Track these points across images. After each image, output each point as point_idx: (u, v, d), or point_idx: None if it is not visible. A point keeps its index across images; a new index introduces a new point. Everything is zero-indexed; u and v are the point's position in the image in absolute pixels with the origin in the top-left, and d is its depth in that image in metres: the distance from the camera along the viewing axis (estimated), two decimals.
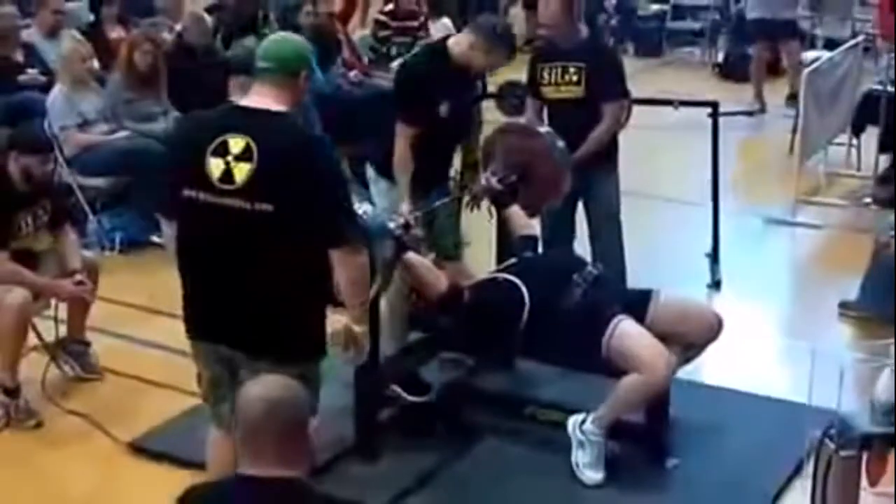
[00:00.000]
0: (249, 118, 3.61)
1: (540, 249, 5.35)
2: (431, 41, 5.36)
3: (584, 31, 5.84)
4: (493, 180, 5.22)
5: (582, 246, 5.91)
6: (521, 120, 5.82)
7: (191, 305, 3.78)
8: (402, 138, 5.07)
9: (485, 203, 5.32)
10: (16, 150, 5.19)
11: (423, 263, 4.82)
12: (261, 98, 3.65)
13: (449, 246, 5.36)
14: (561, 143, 5.31)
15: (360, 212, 4.20)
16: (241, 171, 3.50)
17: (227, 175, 3.52)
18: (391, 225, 4.58)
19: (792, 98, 10.32)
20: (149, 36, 7.71)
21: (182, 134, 3.90)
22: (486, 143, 5.42)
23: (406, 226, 4.77)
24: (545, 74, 5.73)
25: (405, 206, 5.01)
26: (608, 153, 5.80)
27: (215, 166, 3.53)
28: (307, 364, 3.68)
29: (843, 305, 6.23)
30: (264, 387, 2.78)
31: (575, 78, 5.66)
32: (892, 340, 4.34)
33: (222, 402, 3.84)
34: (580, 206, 5.90)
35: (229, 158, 3.52)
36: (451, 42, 5.15)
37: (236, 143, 3.52)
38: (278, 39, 3.83)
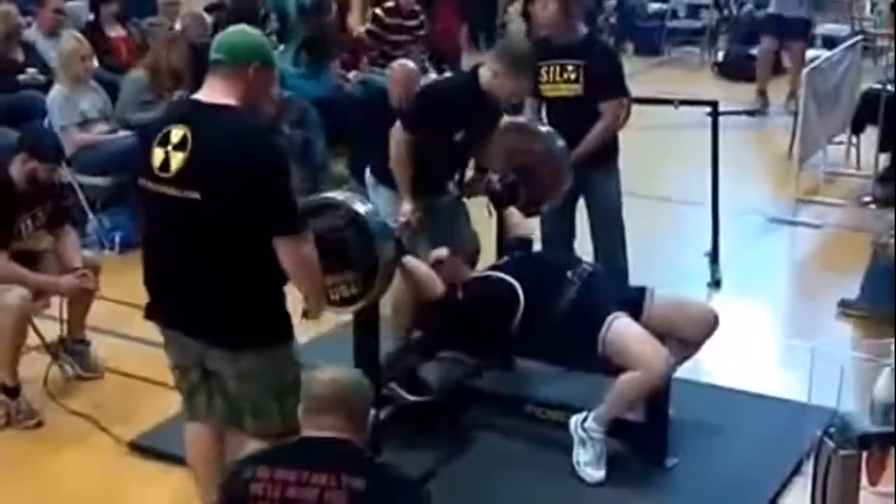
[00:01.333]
0: (194, 109, 3.66)
1: (537, 249, 5.34)
2: (466, 70, 5.26)
3: (582, 29, 5.84)
4: (494, 179, 5.22)
5: (582, 245, 5.91)
6: (521, 119, 5.82)
7: (148, 291, 3.81)
8: (399, 141, 5.01)
9: (484, 200, 5.32)
10: (26, 153, 5.19)
11: (421, 267, 4.80)
12: (210, 91, 3.67)
13: (462, 243, 5.32)
14: (561, 143, 5.31)
15: (362, 211, 4.20)
16: (177, 160, 3.54)
17: (165, 164, 3.57)
18: (393, 225, 4.57)
19: (792, 96, 10.34)
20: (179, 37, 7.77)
21: (145, 127, 3.93)
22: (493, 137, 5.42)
23: (407, 225, 4.76)
24: (543, 72, 5.71)
25: (407, 206, 4.99)
26: (608, 152, 5.79)
27: (156, 155, 3.59)
28: (270, 351, 3.67)
29: (843, 304, 6.23)
30: (336, 372, 3.18)
31: (573, 76, 5.66)
32: (892, 340, 4.34)
33: (195, 393, 3.86)
34: (580, 205, 5.90)
35: (168, 148, 3.57)
36: (481, 71, 5.07)
37: (176, 134, 3.56)
38: (233, 31, 3.82)
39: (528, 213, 5.40)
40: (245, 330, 3.63)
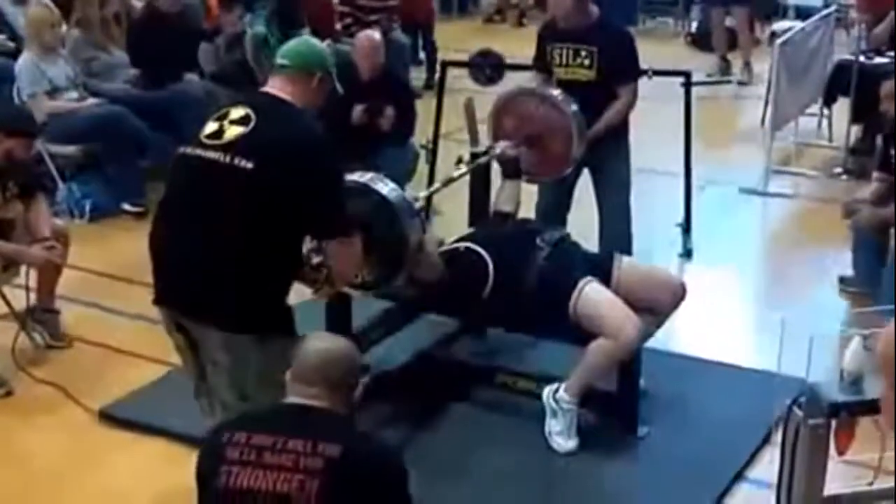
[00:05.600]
0: (259, 96, 3.77)
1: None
2: None
3: (595, 12, 5.79)
4: (505, 146, 5.19)
5: (576, 218, 5.86)
6: (537, 86, 5.72)
7: (153, 265, 3.76)
8: None
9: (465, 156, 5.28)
10: (1, 131, 5.14)
11: (434, 244, 4.70)
12: (273, 90, 3.76)
13: None
14: (574, 107, 5.28)
15: (384, 190, 4.14)
16: (232, 132, 3.59)
17: (217, 133, 3.61)
18: (416, 203, 4.47)
19: (746, 66, 10.51)
20: None
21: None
22: (504, 102, 5.41)
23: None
24: (555, 55, 5.66)
25: None
26: (619, 127, 5.77)
27: (208, 127, 3.64)
28: (269, 338, 3.59)
29: (843, 281, 6.16)
30: (324, 341, 3.19)
31: (587, 61, 5.60)
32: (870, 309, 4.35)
33: (197, 375, 3.79)
34: (582, 178, 5.88)
35: (225, 122, 3.62)
36: None
37: (237, 112, 3.64)
38: (300, 40, 3.97)
39: (530, 181, 5.42)
40: (247, 310, 3.58)
